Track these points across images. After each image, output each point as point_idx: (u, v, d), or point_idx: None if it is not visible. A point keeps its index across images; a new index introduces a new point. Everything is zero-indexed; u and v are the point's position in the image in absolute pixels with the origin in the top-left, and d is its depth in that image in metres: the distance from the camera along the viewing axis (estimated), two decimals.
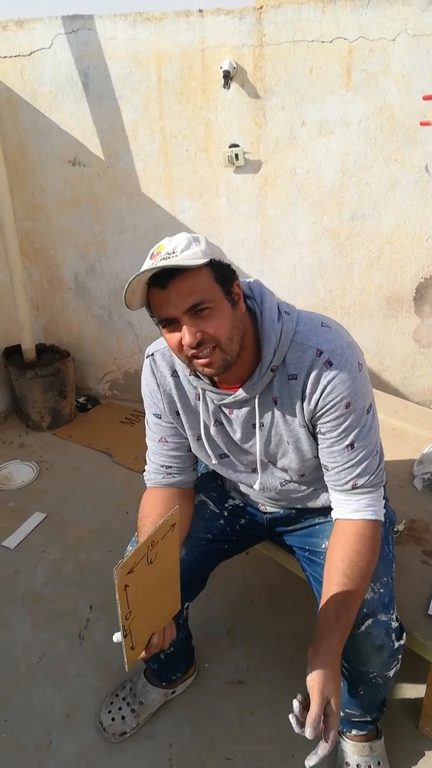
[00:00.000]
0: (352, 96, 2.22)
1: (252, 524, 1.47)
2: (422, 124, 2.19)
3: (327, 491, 1.31)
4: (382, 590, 1.19)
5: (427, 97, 2.15)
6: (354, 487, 1.18)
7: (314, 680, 1.01)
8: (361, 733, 1.41)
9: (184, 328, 1.04)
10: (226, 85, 2.28)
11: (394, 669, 1.23)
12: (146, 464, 1.39)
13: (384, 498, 1.25)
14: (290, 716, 1.01)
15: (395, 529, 1.61)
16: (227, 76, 2.25)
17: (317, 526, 1.40)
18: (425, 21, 2.05)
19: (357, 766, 1.40)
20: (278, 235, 2.54)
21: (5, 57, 2.51)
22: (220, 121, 2.39)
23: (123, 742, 1.54)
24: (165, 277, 1.02)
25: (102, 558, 2.12)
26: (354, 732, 1.41)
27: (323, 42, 2.16)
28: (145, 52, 2.35)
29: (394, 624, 1.18)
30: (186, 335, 1.04)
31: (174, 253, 1.03)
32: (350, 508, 1.19)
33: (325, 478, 1.24)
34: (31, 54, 2.47)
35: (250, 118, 2.35)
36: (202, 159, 2.48)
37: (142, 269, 1.01)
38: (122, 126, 2.52)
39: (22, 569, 2.11)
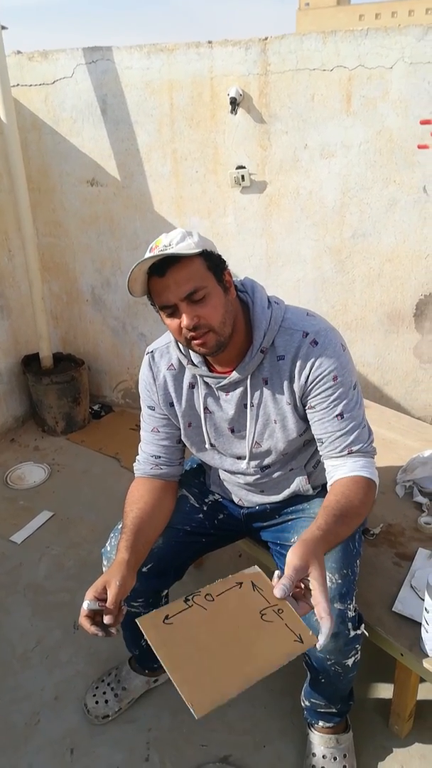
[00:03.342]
0: (352, 121, 2.32)
1: (230, 519, 1.56)
2: (420, 147, 2.28)
3: (302, 473, 1.43)
4: (340, 581, 1.26)
5: (424, 122, 2.25)
6: (350, 453, 1.28)
7: (293, 555, 1.04)
8: (327, 725, 1.47)
9: (183, 312, 1.17)
10: (233, 111, 2.41)
11: (353, 658, 1.29)
12: (138, 455, 1.50)
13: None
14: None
15: (372, 532, 1.67)
16: (234, 103, 2.39)
17: (289, 522, 1.49)
18: (421, 50, 2.15)
19: (323, 756, 1.46)
20: (283, 252, 2.65)
21: (31, 85, 2.71)
22: (227, 145, 2.52)
23: (105, 725, 1.63)
24: (163, 266, 1.14)
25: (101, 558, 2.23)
26: (321, 723, 1.47)
27: (324, 70, 2.28)
28: (158, 81, 2.51)
29: (351, 613, 1.25)
30: (184, 318, 1.17)
31: (170, 245, 1.15)
32: (346, 469, 1.27)
33: (320, 452, 1.32)
34: (54, 82, 2.66)
35: (255, 141, 2.47)
36: (210, 180, 2.61)
37: (143, 259, 1.15)
38: (137, 149, 2.67)
39: (27, 562, 2.23)
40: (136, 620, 1.05)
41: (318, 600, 1.00)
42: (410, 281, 2.52)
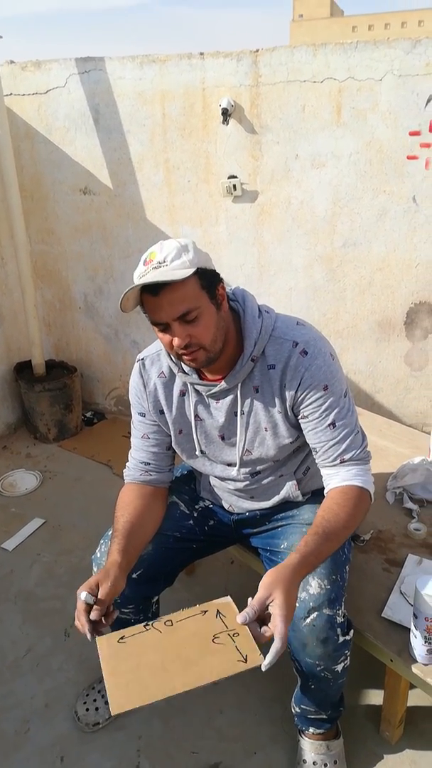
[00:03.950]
0: (342, 132, 2.35)
1: (220, 526, 1.57)
2: (409, 158, 2.31)
3: (291, 479, 1.45)
4: (329, 587, 1.27)
5: (413, 133, 2.28)
6: (342, 462, 1.30)
7: (262, 584, 1.10)
8: (318, 731, 1.47)
9: (175, 333, 1.18)
10: (225, 121, 2.43)
11: (342, 664, 1.30)
12: (128, 461, 1.51)
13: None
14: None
15: (362, 538, 1.69)
16: (226, 113, 2.41)
17: (279, 529, 1.49)
18: (410, 62, 2.19)
19: (313, 763, 1.46)
20: (274, 260, 2.67)
21: (24, 95, 2.73)
22: (219, 154, 2.54)
23: (95, 732, 1.62)
24: (156, 287, 1.15)
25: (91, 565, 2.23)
26: (311, 730, 1.47)
27: (315, 82, 2.31)
28: (150, 91, 2.54)
29: (340, 619, 1.26)
30: (176, 339, 1.19)
31: (165, 262, 1.14)
32: (339, 478, 1.29)
33: (316, 461, 1.35)
34: (47, 92, 2.68)
35: (247, 151, 2.50)
36: (202, 189, 2.64)
37: (136, 280, 1.16)
38: (129, 158, 2.70)
39: (18, 570, 2.22)
40: (96, 639, 1.15)
41: (275, 623, 1.04)
42: (401, 290, 2.54)
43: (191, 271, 1.14)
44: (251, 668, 1.05)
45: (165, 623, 1.16)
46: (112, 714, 1.01)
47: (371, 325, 2.66)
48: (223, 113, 2.41)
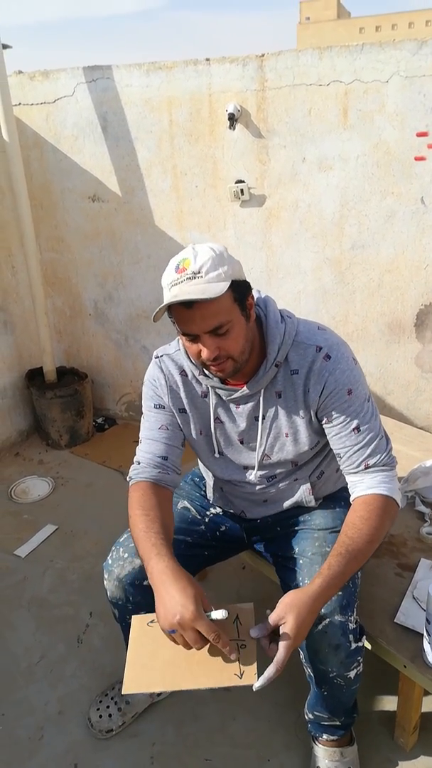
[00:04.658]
0: (349, 134, 2.35)
1: (231, 532, 1.56)
2: (417, 159, 2.31)
3: (306, 482, 1.44)
4: (340, 593, 1.26)
5: (420, 134, 2.27)
6: (366, 467, 1.28)
7: (280, 601, 1.12)
8: (332, 738, 1.46)
9: (205, 345, 1.17)
10: (232, 126, 2.44)
11: (355, 670, 1.29)
12: (136, 462, 1.41)
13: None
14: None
15: None
16: (232, 119, 2.42)
17: (291, 534, 1.49)
18: (416, 63, 2.18)
19: None
20: (283, 264, 2.67)
21: (33, 104, 2.75)
22: (226, 159, 2.55)
23: (109, 739, 1.62)
24: (190, 300, 1.12)
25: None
26: (325, 737, 1.46)
27: (321, 85, 2.31)
28: (157, 98, 2.55)
29: (352, 625, 1.25)
30: (205, 350, 1.18)
31: (200, 273, 1.11)
32: (363, 486, 1.28)
33: (340, 467, 1.33)
34: (55, 101, 2.71)
35: (254, 156, 2.50)
36: (210, 194, 2.65)
37: (167, 288, 1.14)
38: (137, 165, 2.71)
39: (31, 577, 2.23)
40: (133, 616, 1.25)
41: (279, 648, 1.08)
42: (410, 291, 2.53)
43: (227, 285, 1.11)
44: (243, 685, 1.10)
45: None
46: (122, 693, 1.13)
47: (381, 328, 2.64)
48: (229, 118, 2.41)
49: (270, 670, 1.07)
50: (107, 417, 3.37)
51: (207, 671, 1.12)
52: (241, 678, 1.10)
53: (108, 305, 3.12)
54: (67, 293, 3.19)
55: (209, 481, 1.57)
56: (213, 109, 2.48)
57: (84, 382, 3.10)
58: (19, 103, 2.78)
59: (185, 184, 2.67)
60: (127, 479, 1.42)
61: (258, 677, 1.08)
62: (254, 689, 1.07)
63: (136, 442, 1.46)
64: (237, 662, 1.11)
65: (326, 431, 1.32)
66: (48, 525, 2.51)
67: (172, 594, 1.12)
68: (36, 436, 3.24)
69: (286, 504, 1.47)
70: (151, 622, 1.21)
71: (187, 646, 1.11)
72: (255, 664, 1.11)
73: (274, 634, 1.11)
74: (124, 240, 2.91)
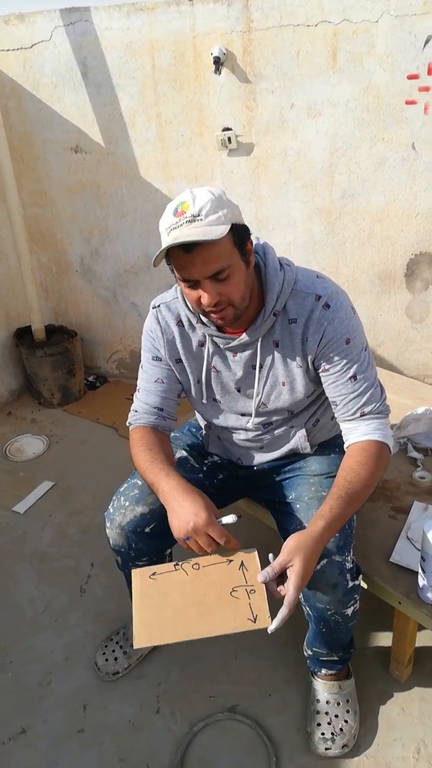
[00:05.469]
0: (338, 78, 2.29)
1: (229, 479, 1.59)
2: (407, 103, 2.26)
3: (302, 429, 1.46)
4: (338, 535, 1.29)
5: (411, 77, 2.22)
6: (362, 415, 1.31)
7: (285, 545, 1.15)
8: (330, 672, 1.53)
9: (205, 290, 1.16)
10: (217, 70, 2.36)
11: (352, 608, 1.34)
12: (133, 410, 1.46)
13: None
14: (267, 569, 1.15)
15: None
16: (218, 62, 2.34)
17: (287, 481, 1.52)
18: (407, 2, 2.11)
19: (326, 702, 1.52)
20: (272, 215, 2.63)
21: (8, 50, 2.63)
22: (212, 106, 2.48)
23: (115, 681, 1.69)
24: (190, 243, 1.10)
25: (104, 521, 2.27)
26: (324, 671, 1.53)
27: (309, 26, 2.23)
28: (139, 41, 2.45)
29: (349, 565, 1.30)
30: (206, 296, 1.17)
31: (199, 216, 1.09)
32: (359, 433, 1.31)
33: (335, 414, 1.36)
34: (32, 46, 2.59)
35: (241, 102, 2.43)
36: (196, 143, 2.58)
37: (164, 232, 1.12)
38: (120, 113, 2.63)
39: (30, 531, 2.27)
40: (132, 570, 1.25)
41: (288, 589, 1.11)
42: (401, 241, 2.52)
43: (227, 228, 1.09)
44: (258, 629, 1.13)
45: (193, 566, 1.23)
46: (133, 647, 1.12)
47: (371, 278, 2.64)
48: (215, 62, 2.33)
49: (283, 611, 1.10)
50: (98, 375, 3.37)
51: (220, 618, 1.15)
52: (255, 622, 1.13)
53: (95, 261, 3.07)
54: (52, 249, 3.12)
55: (206, 430, 1.59)
56: (197, 52, 2.39)
57: (74, 340, 3.07)
58: None
59: (170, 133, 2.60)
60: (127, 424, 1.47)
61: (271, 620, 1.12)
62: (269, 632, 1.11)
63: (129, 399, 1.49)
64: (249, 607, 1.14)
65: (322, 379, 1.34)
66: (45, 482, 2.53)
67: (185, 505, 1.19)
68: (27, 395, 3.24)
69: (283, 450, 1.50)
70: (153, 574, 1.23)
71: (202, 551, 1.19)
72: (267, 608, 1.14)
73: (280, 577, 1.14)
74: (109, 193, 2.84)
